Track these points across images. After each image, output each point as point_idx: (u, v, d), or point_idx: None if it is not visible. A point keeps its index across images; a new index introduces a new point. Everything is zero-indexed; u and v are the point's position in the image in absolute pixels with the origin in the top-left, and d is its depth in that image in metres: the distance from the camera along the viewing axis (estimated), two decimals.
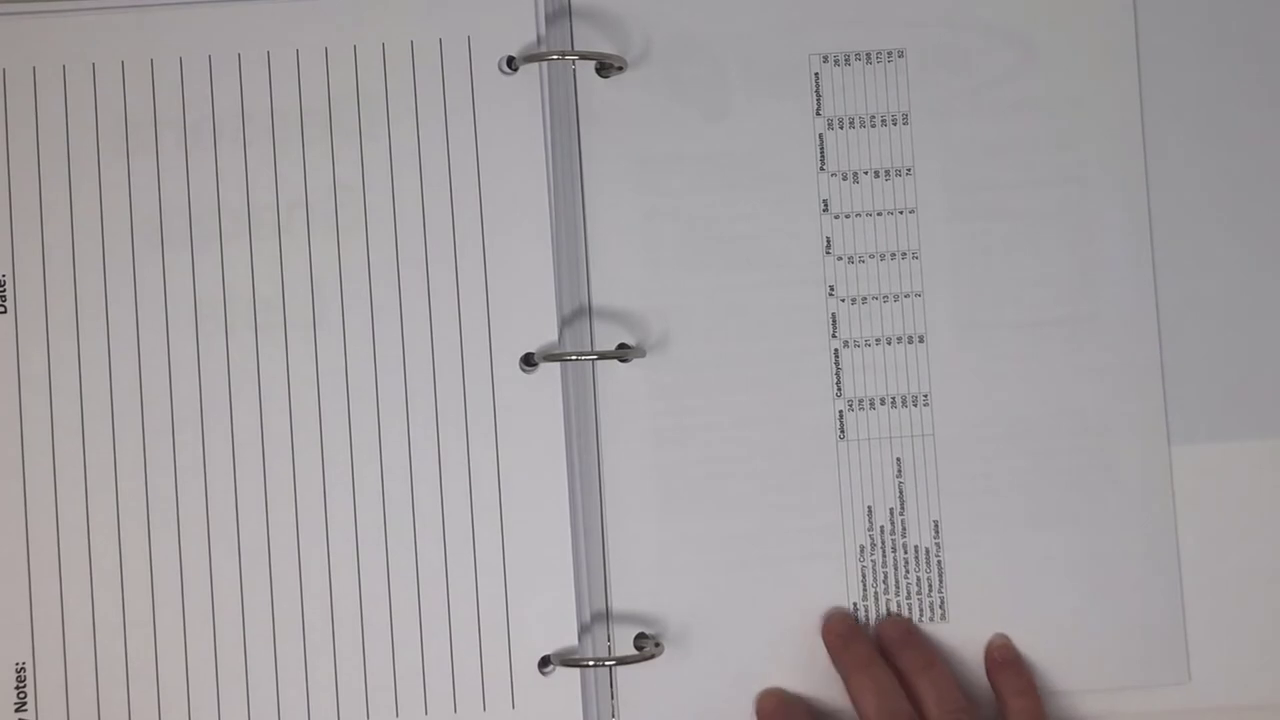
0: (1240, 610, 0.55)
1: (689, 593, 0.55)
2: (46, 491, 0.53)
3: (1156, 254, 0.56)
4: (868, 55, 0.56)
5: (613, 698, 0.55)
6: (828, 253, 0.56)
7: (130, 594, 0.53)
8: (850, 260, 0.56)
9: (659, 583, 0.55)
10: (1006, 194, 0.56)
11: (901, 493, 0.55)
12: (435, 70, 0.55)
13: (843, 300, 0.56)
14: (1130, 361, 0.56)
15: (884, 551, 0.55)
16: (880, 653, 0.53)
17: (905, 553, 0.55)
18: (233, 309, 0.54)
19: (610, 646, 0.55)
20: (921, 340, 0.56)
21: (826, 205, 0.56)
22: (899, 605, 0.55)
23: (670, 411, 0.55)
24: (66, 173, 0.54)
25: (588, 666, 0.54)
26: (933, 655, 0.53)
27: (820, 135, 0.56)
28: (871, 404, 0.56)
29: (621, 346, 0.55)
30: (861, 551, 0.55)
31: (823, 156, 0.56)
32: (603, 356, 0.54)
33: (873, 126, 0.56)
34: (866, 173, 0.56)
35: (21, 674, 0.53)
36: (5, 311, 0.54)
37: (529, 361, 0.54)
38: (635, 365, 0.55)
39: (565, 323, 0.55)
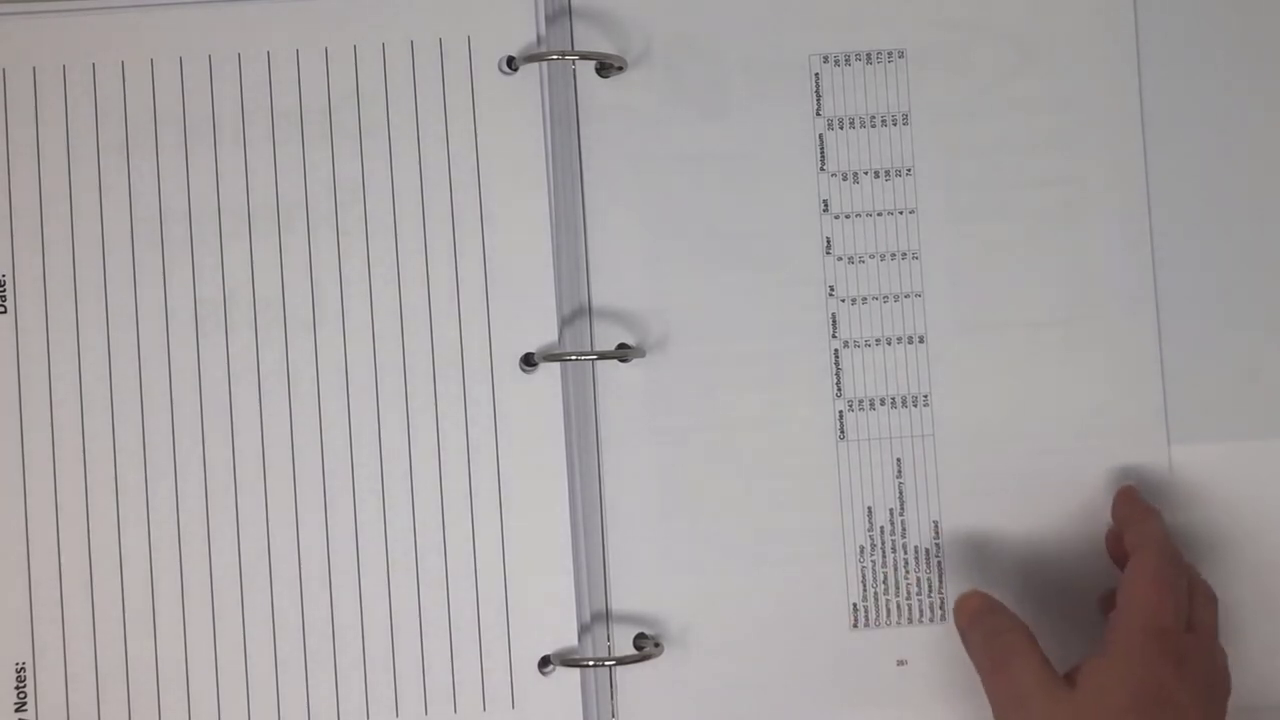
0: (1240, 610, 0.55)
1: (689, 593, 0.55)
2: (46, 491, 0.53)
3: (1156, 254, 0.56)
4: (868, 55, 0.56)
5: (613, 698, 0.55)
6: (828, 253, 0.56)
7: (130, 594, 0.53)
8: (850, 260, 0.56)
9: (659, 583, 0.55)
10: (1006, 194, 0.56)
11: (901, 493, 0.55)
12: (435, 70, 0.55)
13: (843, 300, 0.56)
14: (1130, 361, 0.56)
15: (884, 551, 0.55)
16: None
17: (905, 553, 0.55)
18: (233, 309, 0.54)
19: (610, 646, 0.55)
20: (921, 340, 0.56)
21: (826, 205, 0.56)
22: (899, 605, 0.55)
23: (670, 411, 0.55)
24: (66, 173, 0.54)
25: (588, 666, 0.54)
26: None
27: (820, 135, 0.56)
28: (871, 404, 0.56)
29: (621, 346, 0.55)
30: (861, 552, 0.55)
31: (823, 156, 0.56)
32: (603, 356, 0.54)
33: (873, 126, 0.56)
34: (866, 173, 0.56)
35: (21, 674, 0.53)
36: (5, 311, 0.54)
37: (529, 361, 0.54)
38: (635, 365, 0.55)
39: (565, 323, 0.55)
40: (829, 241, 0.56)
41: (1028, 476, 0.55)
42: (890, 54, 0.56)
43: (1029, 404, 0.55)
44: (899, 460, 0.55)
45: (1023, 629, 0.50)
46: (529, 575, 0.54)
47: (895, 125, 0.56)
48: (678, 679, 0.55)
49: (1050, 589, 0.55)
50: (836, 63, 0.56)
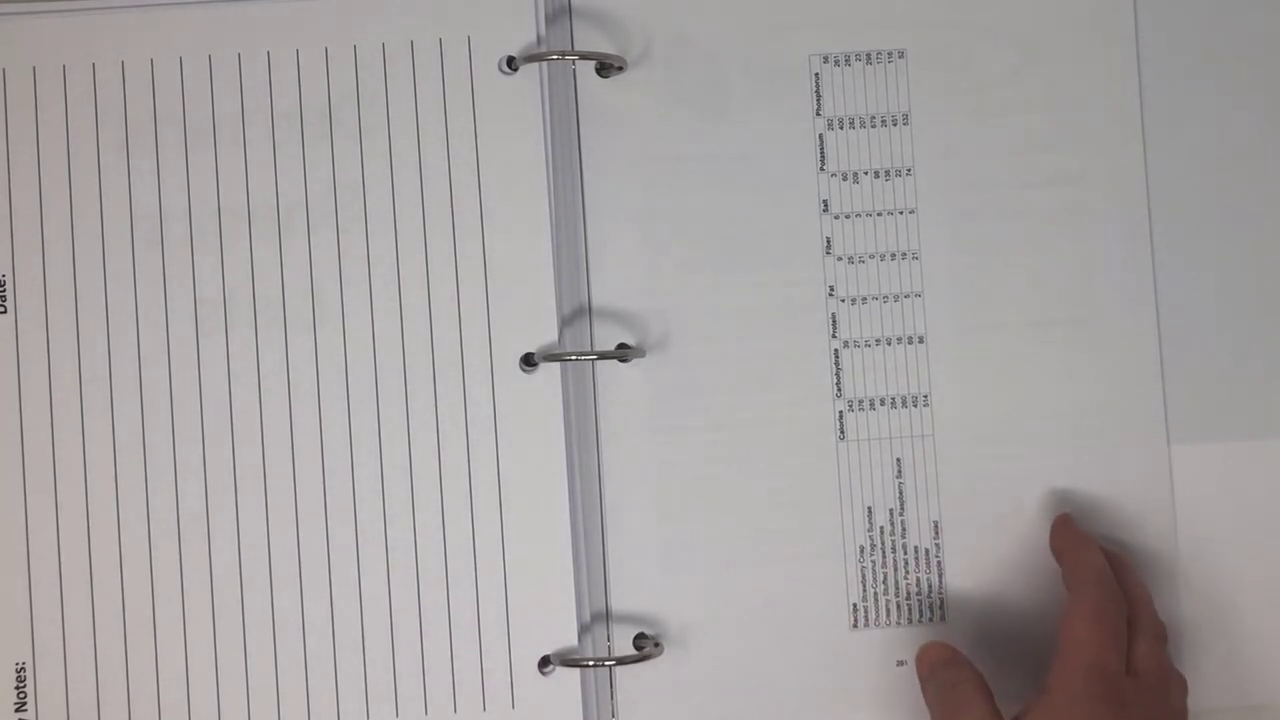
0: (1240, 610, 0.55)
1: (689, 593, 0.55)
2: (46, 491, 0.53)
3: (1156, 254, 0.56)
4: (868, 55, 0.56)
5: (612, 698, 0.55)
6: (828, 253, 0.56)
7: (130, 594, 0.53)
8: (850, 260, 0.56)
9: (659, 583, 0.55)
10: (1006, 194, 0.56)
11: (901, 493, 0.55)
12: (435, 70, 0.55)
13: (843, 300, 0.56)
14: (1130, 361, 0.56)
15: (884, 552, 0.55)
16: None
17: (905, 553, 0.55)
18: (233, 309, 0.54)
19: (610, 646, 0.55)
20: (921, 341, 0.56)
21: (826, 205, 0.56)
22: (899, 605, 0.55)
23: (670, 411, 0.55)
24: (66, 173, 0.54)
25: (587, 666, 0.54)
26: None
27: (820, 135, 0.56)
28: (871, 404, 0.56)
29: (621, 346, 0.55)
30: (861, 552, 0.55)
31: (823, 156, 0.56)
32: (603, 356, 0.54)
33: (873, 127, 0.56)
34: (866, 173, 0.56)
35: (21, 674, 0.53)
36: (5, 311, 0.54)
37: (529, 361, 0.54)
38: (635, 365, 0.55)
39: (565, 323, 0.55)
40: (829, 241, 0.56)
41: (1027, 476, 0.55)
42: (890, 54, 0.56)
43: (1029, 404, 0.55)
44: (899, 460, 0.55)
45: (978, 681, 0.51)
46: (529, 575, 0.54)
47: (895, 125, 0.56)
48: (678, 679, 0.55)
49: (1051, 589, 0.55)
50: (836, 63, 0.56)
